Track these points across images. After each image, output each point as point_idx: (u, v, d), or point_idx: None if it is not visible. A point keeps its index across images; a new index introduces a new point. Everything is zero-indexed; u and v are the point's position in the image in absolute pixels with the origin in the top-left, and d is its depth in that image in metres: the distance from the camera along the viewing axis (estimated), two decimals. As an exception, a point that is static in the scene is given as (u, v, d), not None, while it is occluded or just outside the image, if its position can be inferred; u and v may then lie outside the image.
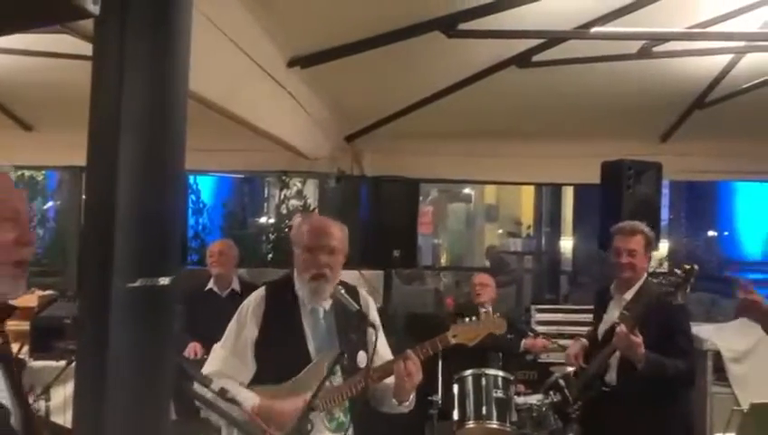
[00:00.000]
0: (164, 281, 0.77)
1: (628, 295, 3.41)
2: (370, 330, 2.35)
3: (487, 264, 12.16)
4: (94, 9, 0.69)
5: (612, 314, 3.47)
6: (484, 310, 4.58)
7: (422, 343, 2.52)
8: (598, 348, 3.49)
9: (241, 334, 2.40)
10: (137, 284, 0.75)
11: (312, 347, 2.42)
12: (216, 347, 2.44)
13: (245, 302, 2.49)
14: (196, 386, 1.45)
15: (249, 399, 2.23)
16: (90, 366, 0.76)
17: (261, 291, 2.50)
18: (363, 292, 2.62)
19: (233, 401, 1.40)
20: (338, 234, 2.46)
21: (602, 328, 3.51)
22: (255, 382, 2.37)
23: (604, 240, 3.96)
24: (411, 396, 2.51)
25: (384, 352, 2.57)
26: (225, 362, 2.37)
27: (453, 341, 2.55)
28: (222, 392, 1.39)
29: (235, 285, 4.73)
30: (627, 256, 3.38)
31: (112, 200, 0.75)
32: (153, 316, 0.77)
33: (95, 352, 0.75)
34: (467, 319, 2.64)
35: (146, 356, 0.77)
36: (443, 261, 14.72)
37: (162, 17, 0.77)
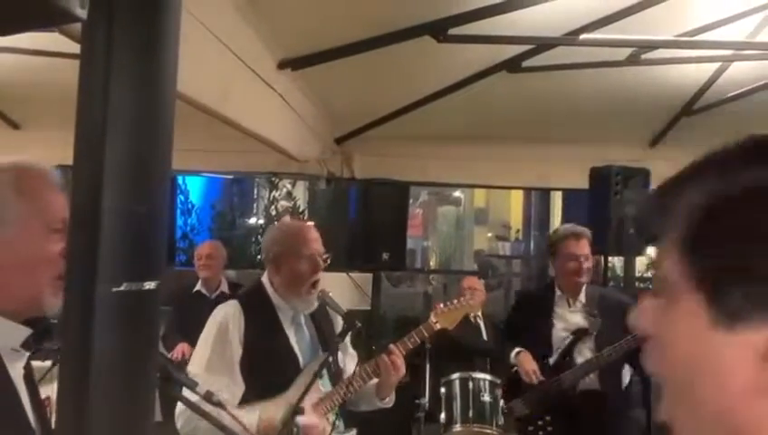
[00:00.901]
0: (149, 285, 0.77)
1: (582, 298, 3.47)
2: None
3: (476, 267, 12.19)
4: (82, 13, 0.69)
5: (571, 317, 3.49)
6: (472, 314, 4.61)
7: (408, 334, 2.56)
8: (551, 355, 3.51)
9: (225, 353, 2.31)
10: (122, 288, 0.75)
11: (300, 356, 2.40)
12: (199, 371, 2.29)
13: (220, 318, 2.37)
14: (182, 389, 1.45)
15: (252, 418, 2.18)
16: (73, 370, 0.76)
17: (235, 305, 2.40)
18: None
19: (219, 404, 1.40)
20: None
21: (561, 334, 3.52)
22: (247, 400, 2.29)
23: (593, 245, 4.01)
24: (393, 392, 2.54)
25: (354, 353, 2.62)
26: (213, 387, 2.28)
27: (437, 326, 2.61)
28: (207, 395, 1.39)
29: (224, 287, 4.72)
30: (585, 260, 3.45)
31: (98, 204, 0.74)
32: (138, 320, 0.77)
33: (79, 356, 0.75)
34: (442, 305, 2.72)
35: (130, 360, 0.77)
36: (432, 264, 14.73)
37: (150, 20, 0.77)
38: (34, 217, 1.17)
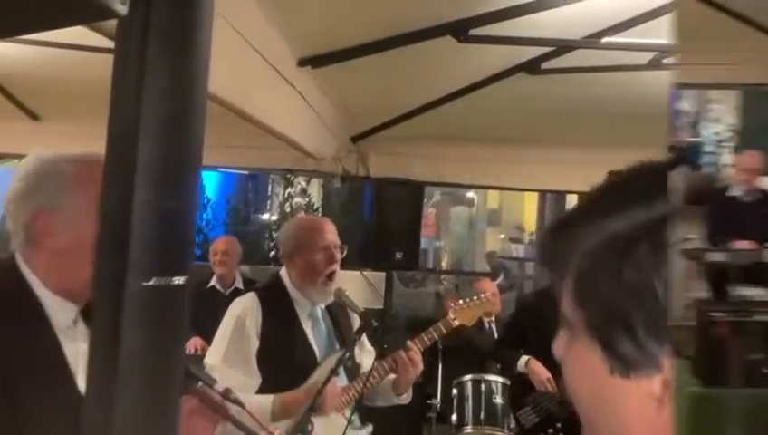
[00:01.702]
0: (178, 280, 0.77)
1: None
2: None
3: (488, 268, 12.16)
4: (122, 9, 0.69)
5: None
6: (488, 319, 4.60)
7: (426, 330, 2.56)
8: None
9: (242, 346, 2.31)
10: (151, 282, 0.75)
11: (317, 350, 2.40)
12: (216, 363, 2.29)
13: (238, 311, 2.37)
14: (200, 385, 1.45)
15: (267, 399, 2.19)
16: (102, 363, 0.76)
17: (252, 298, 2.41)
18: None
19: (237, 401, 1.40)
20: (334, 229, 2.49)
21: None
22: (263, 393, 2.28)
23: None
24: (410, 388, 2.55)
25: (371, 349, 2.62)
26: (230, 379, 2.16)
27: (455, 323, 2.61)
28: (226, 393, 1.39)
29: (238, 284, 4.71)
30: None
31: (130, 198, 0.75)
32: (166, 316, 0.78)
33: (107, 350, 0.75)
34: (461, 301, 2.71)
35: (158, 355, 0.77)
36: (443, 264, 14.71)
37: (186, 15, 0.77)
38: (89, 205, 1.22)
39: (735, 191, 4.67)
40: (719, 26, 3.62)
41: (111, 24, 0.76)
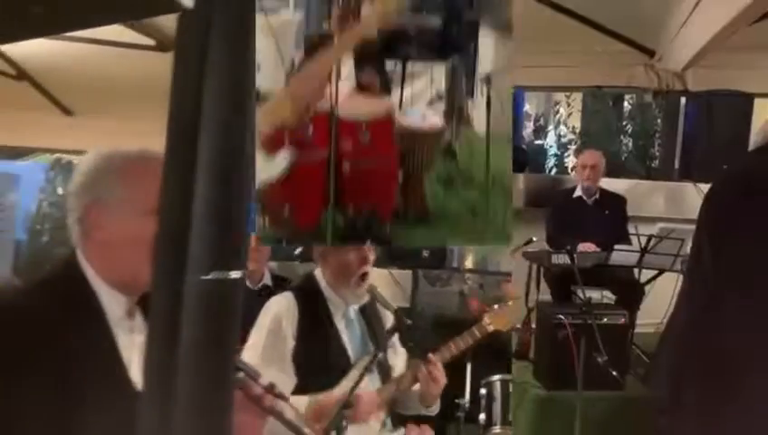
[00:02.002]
0: (235, 274, 0.78)
1: None
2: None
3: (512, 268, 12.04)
4: (188, 2, 0.70)
5: None
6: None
7: (461, 335, 2.52)
8: None
9: (278, 346, 2.31)
10: (210, 276, 0.76)
11: (350, 351, 2.38)
12: (254, 361, 2.24)
13: (274, 310, 2.37)
14: (242, 376, 1.45)
15: (301, 401, 2.18)
16: (160, 356, 0.77)
17: (289, 298, 2.40)
18: None
19: (281, 396, 1.40)
20: None
21: None
22: (297, 393, 2.27)
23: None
24: (437, 401, 2.51)
25: (403, 350, 2.60)
26: (269, 378, 2.20)
27: (490, 328, 2.57)
28: (270, 387, 1.39)
29: (267, 280, 4.71)
30: None
31: (189, 195, 0.76)
32: (224, 309, 0.78)
33: (166, 343, 0.76)
34: (496, 306, 2.67)
35: (215, 349, 0.78)
36: (468, 263, 14.60)
37: (245, 18, 0.78)
38: (132, 200, 1.28)
39: (578, 193, 4.64)
40: (558, 28, 3.54)
41: (150, 21, 0.76)
